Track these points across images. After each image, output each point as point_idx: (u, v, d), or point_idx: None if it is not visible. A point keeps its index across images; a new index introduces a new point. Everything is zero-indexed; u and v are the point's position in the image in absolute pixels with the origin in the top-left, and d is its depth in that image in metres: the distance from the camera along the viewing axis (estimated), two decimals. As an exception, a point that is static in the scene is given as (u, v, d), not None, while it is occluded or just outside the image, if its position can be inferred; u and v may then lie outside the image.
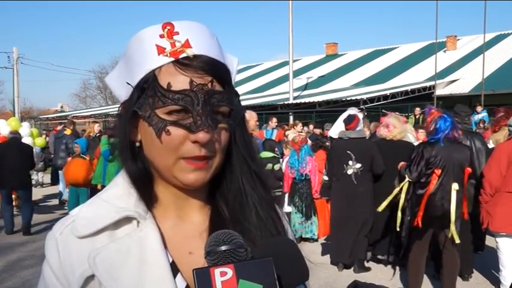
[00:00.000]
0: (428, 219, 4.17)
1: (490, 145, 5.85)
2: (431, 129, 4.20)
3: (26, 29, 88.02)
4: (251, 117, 5.48)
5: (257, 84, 32.15)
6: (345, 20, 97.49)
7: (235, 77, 0.86)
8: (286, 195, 6.51)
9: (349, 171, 5.32)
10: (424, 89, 21.32)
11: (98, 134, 8.86)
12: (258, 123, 6.55)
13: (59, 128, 12.82)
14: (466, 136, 4.75)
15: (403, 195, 4.38)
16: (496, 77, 21.68)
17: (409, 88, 21.05)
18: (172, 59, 0.76)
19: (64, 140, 9.64)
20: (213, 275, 0.61)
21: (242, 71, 34.48)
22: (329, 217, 5.81)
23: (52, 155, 11.96)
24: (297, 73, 28.00)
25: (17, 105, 30.41)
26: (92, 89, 50.20)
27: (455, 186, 4.06)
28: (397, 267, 5.36)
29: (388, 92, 20.14)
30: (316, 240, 6.57)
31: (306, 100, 20.98)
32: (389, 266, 5.53)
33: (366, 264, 5.55)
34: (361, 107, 16.69)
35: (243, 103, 0.88)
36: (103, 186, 5.95)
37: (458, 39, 29.51)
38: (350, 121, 5.46)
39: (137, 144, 0.82)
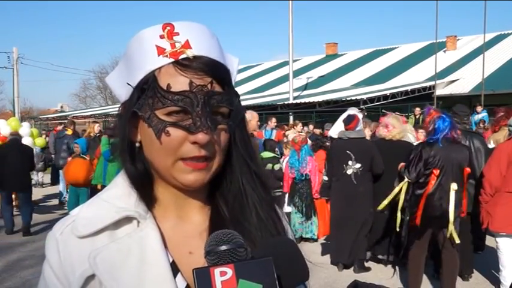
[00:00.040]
0: (427, 219, 4.17)
1: (491, 145, 5.85)
2: (430, 129, 4.20)
3: (26, 29, 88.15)
4: (252, 117, 5.46)
5: (257, 84, 32.15)
6: (345, 20, 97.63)
7: (236, 77, 0.86)
8: (286, 195, 6.52)
9: (349, 171, 5.32)
10: (424, 89, 21.31)
11: (98, 134, 8.85)
12: (259, 123, 6.55)
13: (59, 128, 12.83)
14: (464, 136, 4.75)
15: (402, 196, 4.38)
16: (496, 77, 21.67)
17: (409, 88, 21.04)
18: (172, 59, 0.76)
19: (65, 140, 9.65)
20: (213, 275, 0.61)
21: (242, 71, 34.45)
22: (329, 217, 5.81)
23: (52, 155, 11.97)
24: (297, 73, 28.00)
25: (17, 105, 30.41)
26: (92, 89, 50.29)
27: (453, 186, 4.07)
28: (397, 267, 5.36)
29: (388, 92, 20.13)
30: (316, 240, 6.57)
31: (306, 100, 20.97)
32: (389, 266, 5.53)
33: (366, 264, 5.55)
34: (361, 107, 16.68)
35: (243, 103, 0.88)
36: (103, 187, 5.95)
37: (458, 39, 29.50)
38: (349, 121, 5.46)
39: (137, 144, 0.83)
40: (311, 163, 6.39)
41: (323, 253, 6.10)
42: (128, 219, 0.80)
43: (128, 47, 0.82)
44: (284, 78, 26.77)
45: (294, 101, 20.92)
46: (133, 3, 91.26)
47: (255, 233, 0.82)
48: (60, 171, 9.93)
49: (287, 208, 6.41)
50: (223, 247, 0.65)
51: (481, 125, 12.75)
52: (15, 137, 7.97)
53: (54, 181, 12.26)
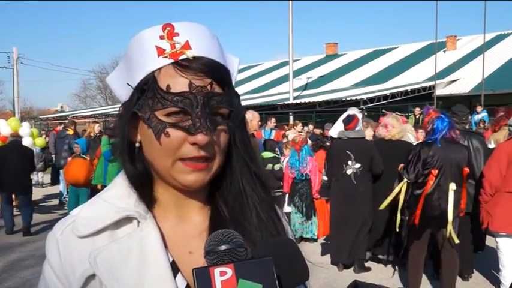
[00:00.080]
0: (426, 219, 4.17)
1: (491, 145, 5.84)
2: (428, 129, 4.20)
3: (26, 29, 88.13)
4: (254, 117, 5.43)
5: (257, 84, 32.14)
6: (345, 20, 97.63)
7: (236, 77, 0.86)
8: (286, 195, 6.52)
9: (349, 171, 5.32)
10: (424, 89, 21.31)
11: (98, 134, 8.86)
12: (260, 123, 6.54)
13: (59, 128, 12.83)
14: (463, 136, 4.75)
15: (402, 196, 4.38)
16: (496, 77, 21.67)
17: (409, 88, 21.04)
18: (171, 60, 0.76)
19: (67, 140, 9.66)
20: (213, 275, 0.61)
21: (242, 71, 34.44)
22: (329, 217, 5.81)
23: (52, 155, 11.96)
24: (297, 73, 27.99)
25: (17, 105, 30.39)
26: (92, 89, 50.27)
27: (452, 186, 4.06)
28: (397, 267, 5.36)
29: (388, 92, 20.12)
30: (316, 240, 6.57)
31: (306, 100, 20.96)
32: (389, 266, 5.53)
33: (366, 264, 5.55)
34: (361, 107, 16.68)
35: (243, 103, 0.88)
36: (103, 187, 5.95)
37: (458, 39, 29.49)
38: (349, 121, 5.46)
39: (137, 144, 0.83)
40: (311, 163, 6.39)
41: (323, 253, 6.10)
42: (128, 219, 0.80)
43: (128, 48, 0.82)
44: (284, 78, 26.76)
45: (294, 101, 20.92)
46: (133, 3, 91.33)
47: (255, 233, 0.82)
48: (61, 171, 9.94)
49: (287, 208, 6.41)
50: (223, 247, 0.65)
51: (481, 125, 12.75)
52: (16, 139, 7.97)
53: (54, 181, 12.26)
